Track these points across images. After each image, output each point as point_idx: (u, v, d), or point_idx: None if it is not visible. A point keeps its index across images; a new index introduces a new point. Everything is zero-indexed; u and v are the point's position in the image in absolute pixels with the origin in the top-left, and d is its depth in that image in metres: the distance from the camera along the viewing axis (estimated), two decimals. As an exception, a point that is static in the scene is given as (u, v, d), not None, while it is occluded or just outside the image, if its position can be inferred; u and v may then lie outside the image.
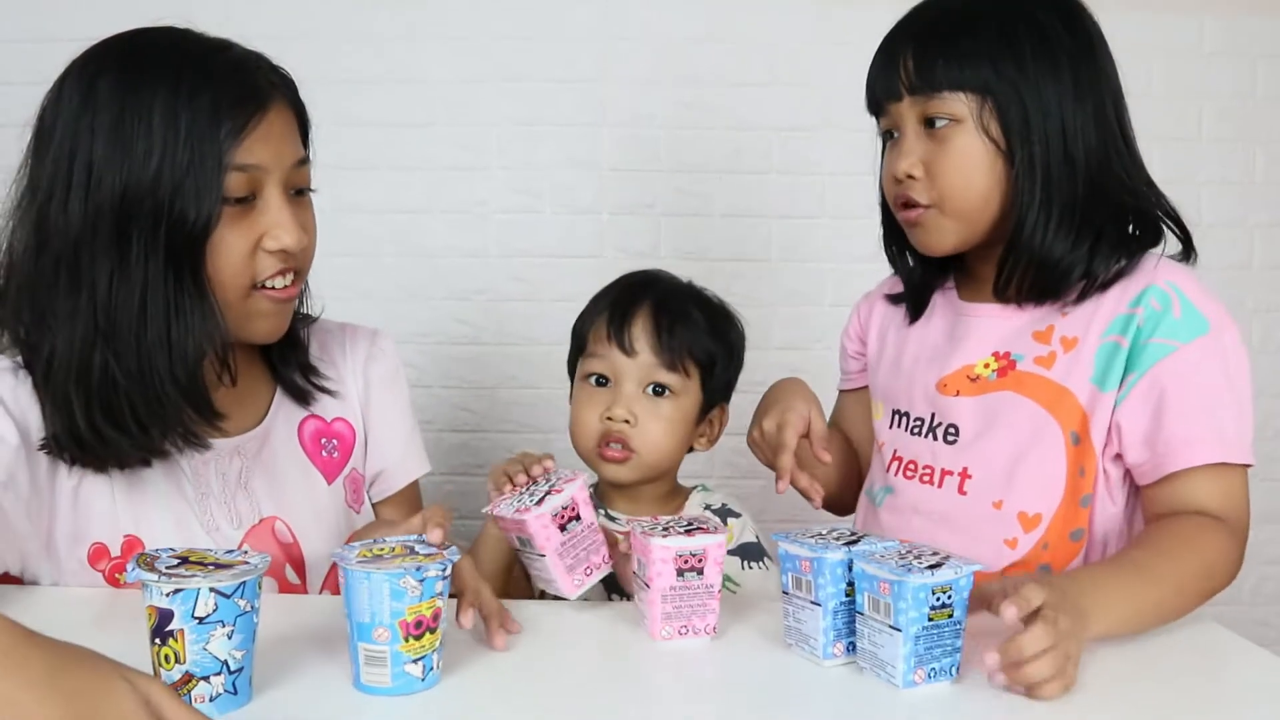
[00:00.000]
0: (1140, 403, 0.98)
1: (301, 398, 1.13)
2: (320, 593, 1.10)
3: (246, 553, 0.80)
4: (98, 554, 1.01)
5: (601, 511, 1.25)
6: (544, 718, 0.77)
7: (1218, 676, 0.88)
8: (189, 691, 0.73)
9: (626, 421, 1.19)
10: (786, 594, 0.88)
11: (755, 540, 1.23)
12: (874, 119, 1.10)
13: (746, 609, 0.99)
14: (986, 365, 1.06)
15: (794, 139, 1.91)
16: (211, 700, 0.73)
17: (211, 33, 1.01)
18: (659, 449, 1.21)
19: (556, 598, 0.99)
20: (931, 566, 0.80)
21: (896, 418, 1.14)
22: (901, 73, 1.02)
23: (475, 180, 1.90)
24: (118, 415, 0.95)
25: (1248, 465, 0.98)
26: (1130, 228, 1.03)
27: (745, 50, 1.89)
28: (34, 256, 0.96)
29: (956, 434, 1.07)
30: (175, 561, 0.76)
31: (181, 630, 0.72)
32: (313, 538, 1.10)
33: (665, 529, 0.93)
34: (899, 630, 0.78)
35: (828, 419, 1.17)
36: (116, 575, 1.01)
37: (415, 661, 0.78)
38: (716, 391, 1.26)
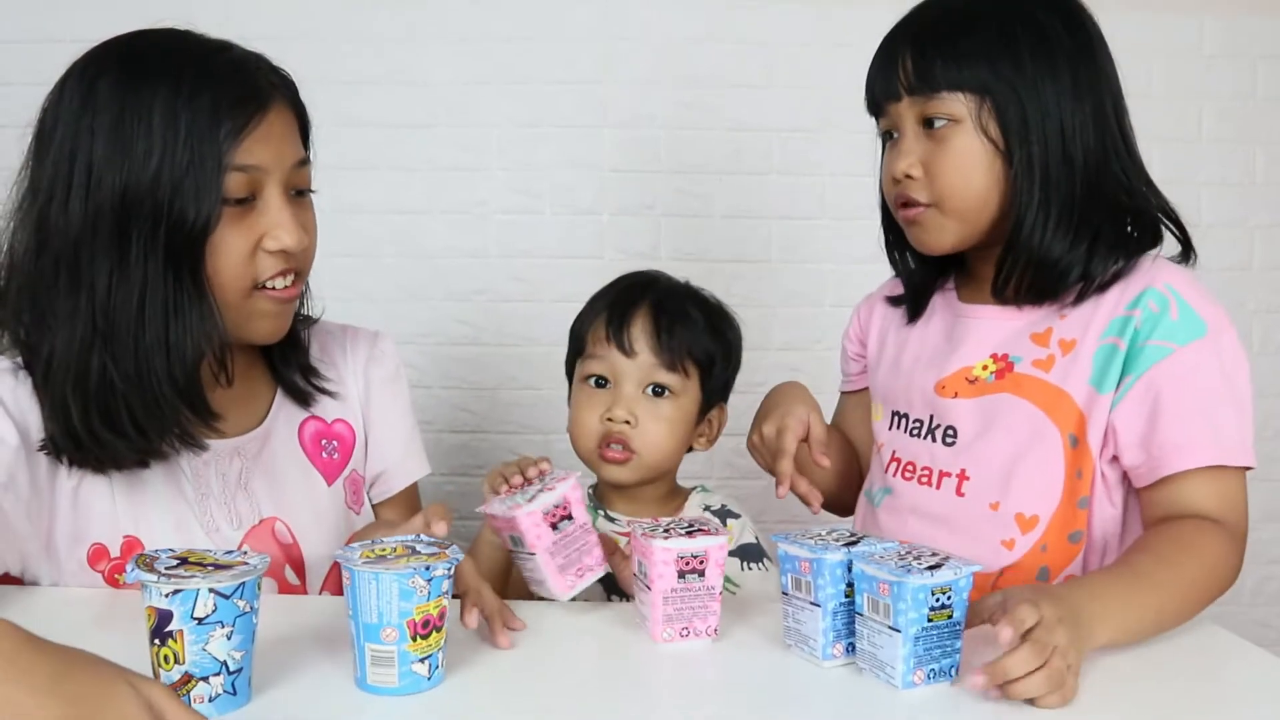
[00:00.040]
0: (1136, 405, 0.98)
1: (302, 399, 1.13)
2: (320, 593, 1.10)
3: (246, 553, 0.80)
4: (97, 555, 1.02)
5: (601, 513, 1.25)
6: (543, 718, 0.77)
7: (1218, 677, 0.88)
8: (188, 692, 0.73)
9: (627, 422, 1.19)
10: (786, 595, 0.88)
11: (755, 541, 1.23)
12: (873, 119, 1.10)
13: (746, 610, 0.99)
14: (985, 367, 1.06)
15: (794, 139, 1.91)
16: (210, 701, 0.74)
17: (211, 33, 1.01)
18: (659, 449, 1.21)
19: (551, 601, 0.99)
20: (931, 567, 0.80)
21: (896, 419, 1.14)
22: (900, 73, 1.02)
23: (476, 181, 1.90)
24: (115, 418, 0.95)
25: (1247, 468, 0.97)
26: (1129, 228, 1.03)
27: (745, 51, 1.89)
28: (34, 257, 0.96)
29: (955, 436, 1.07)
30: (174, 562, 0.77)
31: (181, 631, 0.72)
32: (312, 539, 1.10)
33: (666, 531, 0.92)
34: (898, 631, 0.78)
35: (829, 420, 1.18)
36: (116, 576, 1.01)
37: (422, 661, 0.78)
38: (715, 391, 1.26)
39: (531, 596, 1.03)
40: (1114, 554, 1.01)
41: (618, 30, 1.89)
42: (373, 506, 1.20)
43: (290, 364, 1.12)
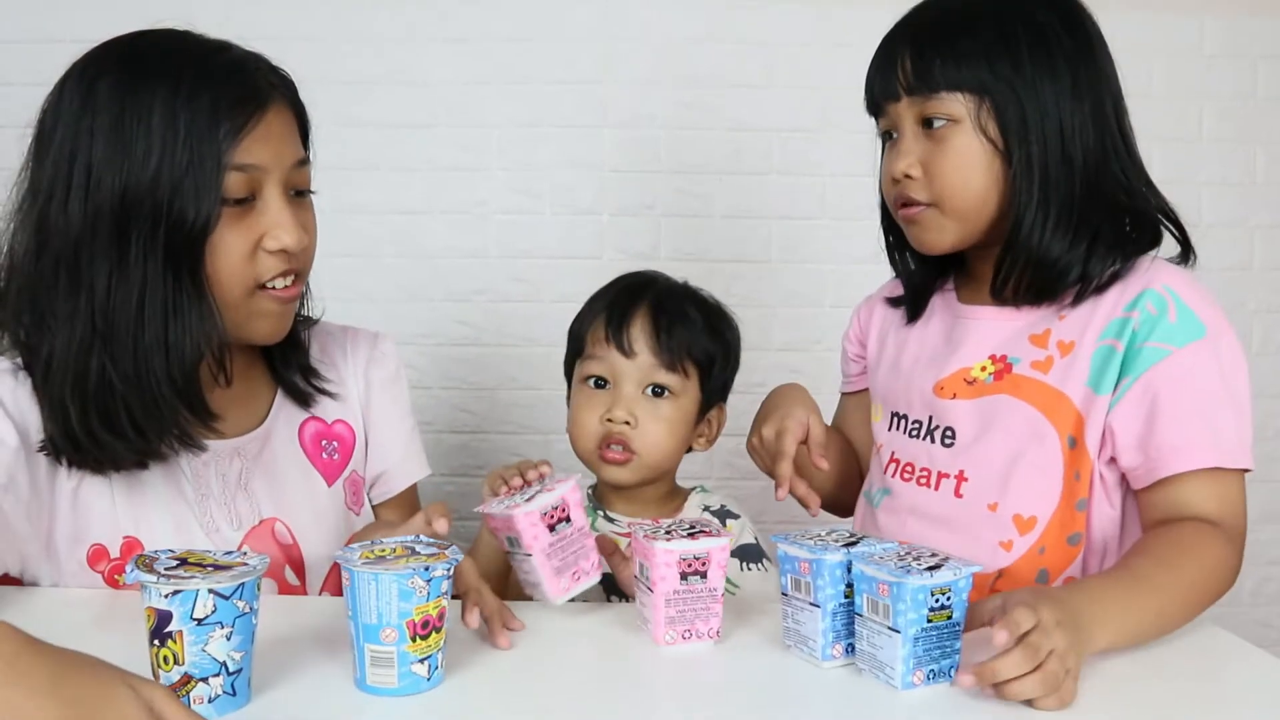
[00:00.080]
0: (1133, 407, 0.98)
1: (302, 400, 1.13)
2: (320, 594, 1.10)
3: (245, 554, 0.80)
4: (97, 555, 1.02)
5: (600, 513, 1.25)
6: (543, 718, 0.77)
7: (1218, 678, 0.88)
8: (188, 693, 0.73)
9: (627, 423, 1.19)
10: (785, 595, 0.88)
11: (754, 542, 1.23)
12: (873, 119, 1.10)
13: (745, 611, 0.99)
14: (983, 368, 1.06)
15: (794, 140, 1.91)
16: (210, 701, 0.74)
17: (211, 34, 1.01)
18: (660, 450, 1.21)
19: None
20: (930, 568, 0.80)
21: (895, 420, 1.14)
22: (899, 73, 1.02)
23: (476, 181, 1.90)
24: (114, 420, 0.95)
25: (1245, 470, 0.97)
26: (1128, 228, 1.03)
27: (745, 51, 1.89)
28: (34, 258, 0.96)
29: (953, 437, 1.07)
30: (174, 563, 0.76)
31: (180, 631, 0.72)
32: (312, 539, 1.10)
33: (668, 533, 0.92)
34: (898, 632, 0.78)
35: (829, 421, 1.17)
36: (116, 576, 1.02)
37: (421, 661, 0.78)
38: (714, 391, 1.26)
39: (531, 598, 1.03)
40: (1113, 556, 1.01)
41: (618, 30, 1.89)
42: (373, 507, 1.20)
43: (290, 364, 1.12)
